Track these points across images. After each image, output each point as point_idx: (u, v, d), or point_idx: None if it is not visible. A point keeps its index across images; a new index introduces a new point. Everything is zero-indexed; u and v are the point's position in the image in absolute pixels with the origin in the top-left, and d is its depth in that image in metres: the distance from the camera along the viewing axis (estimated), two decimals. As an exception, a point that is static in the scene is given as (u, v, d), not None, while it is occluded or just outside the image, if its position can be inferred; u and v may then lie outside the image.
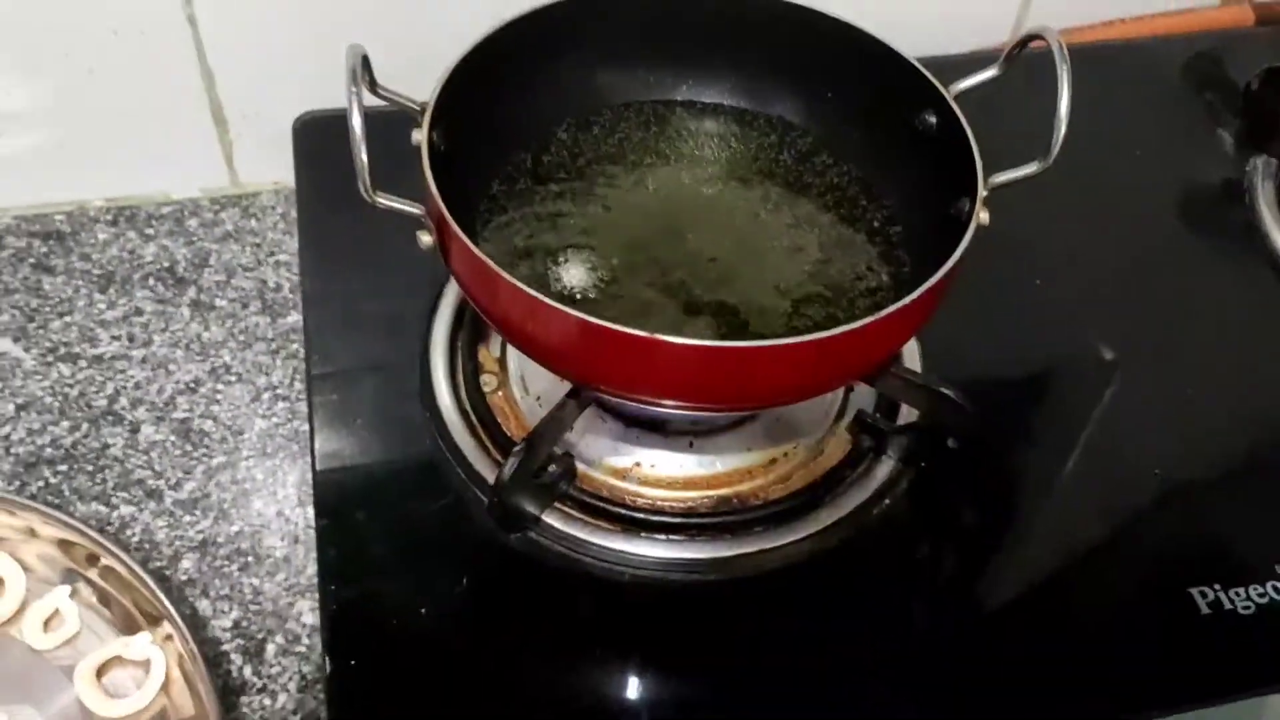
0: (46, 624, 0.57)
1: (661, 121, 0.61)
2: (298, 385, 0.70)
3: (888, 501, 0.57)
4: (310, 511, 0.63)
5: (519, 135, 0.58)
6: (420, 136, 0.48)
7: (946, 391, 0.53)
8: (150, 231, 0.77)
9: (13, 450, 0.65)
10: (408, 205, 0.47)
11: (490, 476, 0.55)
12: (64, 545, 0.60)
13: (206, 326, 0.72)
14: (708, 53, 0.60)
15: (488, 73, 0.53)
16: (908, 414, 0.59)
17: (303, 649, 0.59)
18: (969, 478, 0.59)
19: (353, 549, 0.55)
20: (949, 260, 0.46)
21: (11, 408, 0.67)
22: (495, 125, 0.55)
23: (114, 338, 0.71)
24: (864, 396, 0.61)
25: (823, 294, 0.54)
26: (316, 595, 0.60)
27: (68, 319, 0.72)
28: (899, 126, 0.56)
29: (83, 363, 0.70)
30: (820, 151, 0.60)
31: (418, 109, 0.50)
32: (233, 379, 0.70)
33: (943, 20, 0.83)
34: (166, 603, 0.57)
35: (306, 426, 0.67)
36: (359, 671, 0.51)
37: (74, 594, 0.58)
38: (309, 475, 0.65)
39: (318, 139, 0.71)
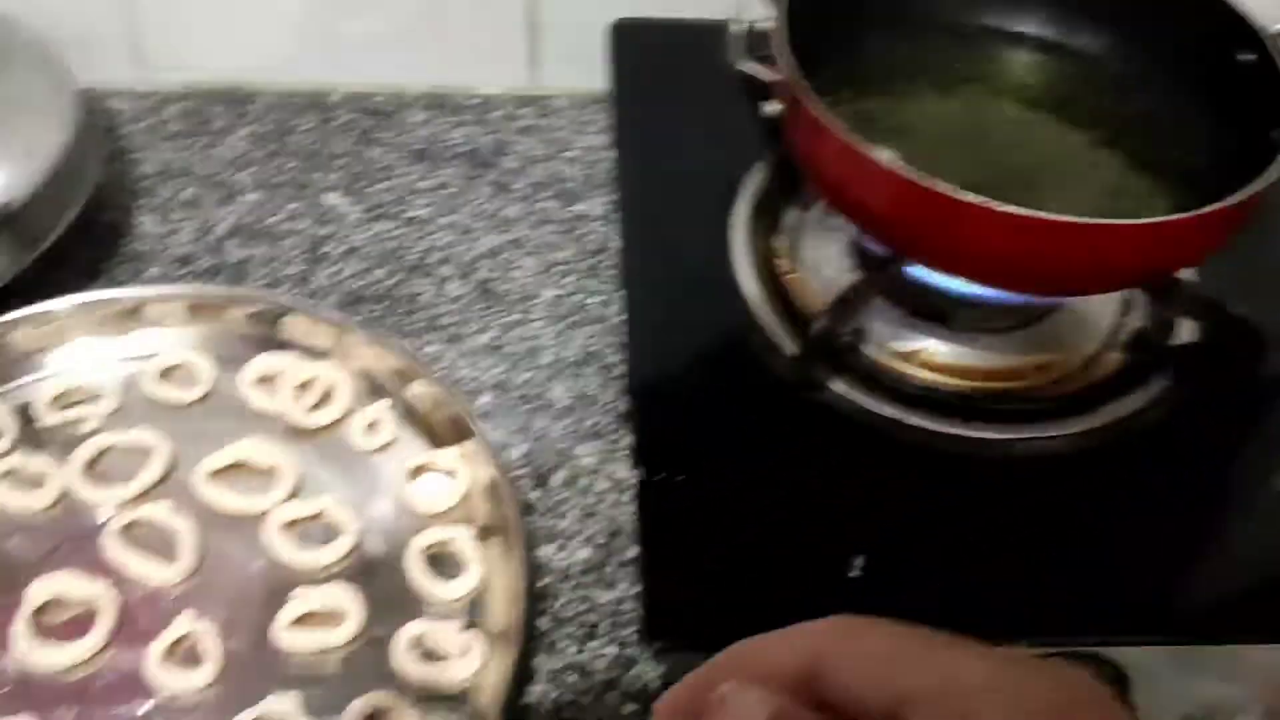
0: (367, 430, 0.65)
1: (970, 43, 0.66)
2: (584, 263, 0.76)
3: (1158, 416, 0.60)
4: (590, 370, 0.70)
5: (840, 43, 0.63)
6: (780, 16, 0.54)
7: (1240, 314, 0.55)
8: (458, 120, 0.85)
9: (341, 285, 0.74)
10: (765, 71, 0.53)
11: (787, 348, 0.61)
12: (385, 366, 0.68)
13: (505, 204, 0.80)
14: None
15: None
16: (1178, 333, 0.62)
17: (583, 484, 0.65)
18: (1246, 406, 0.61)
19: (662, 396, 0.62)
20: (1268, 174, 0.49)
21: (341, 250, 0.76)
22: (818, 31, 0.60)
23: (426, 204, 0.79)
24: (1137, 320, 0.64)
25: (1121, 208, 0.58)
26: (596, 442, 0.66)
27: (387, 184, 0.80)
28: (1209, 63, 0.59)
29: (399, 222, 0.78)
30: (1124, 83, 0.64)
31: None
32: (528, 250, 0.77)
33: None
34: (476, 421, 0.64)
35: (591, 300, 0.74)
36: (664, 483, 0.58)
37: (392, 407, 0.66)
38: (592, 341, 0.72)
39: (631, 42, 0.78)
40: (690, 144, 0.73)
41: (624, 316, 0.73)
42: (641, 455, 0.59)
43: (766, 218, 0.68)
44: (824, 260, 0.65)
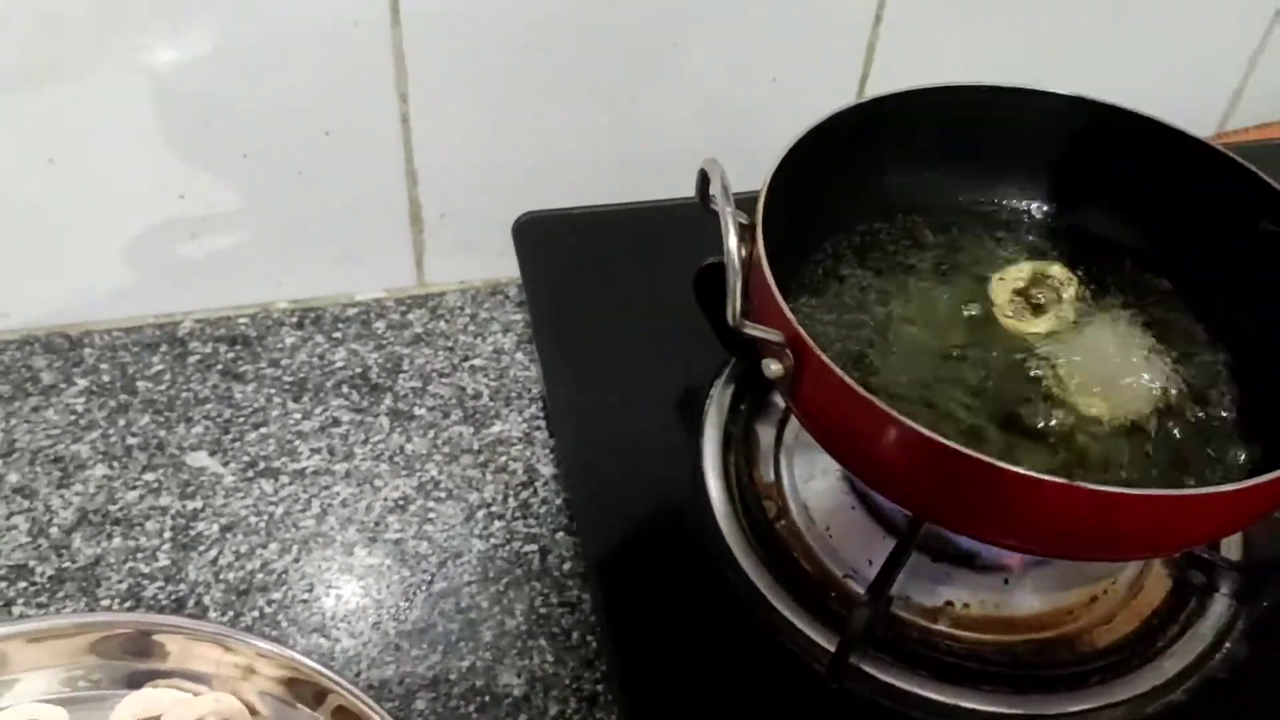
0: (278, 774, 0.52)
1: (957, 229, 0.57)
2: (511, 502, 0.65)
3: (1229, 646, 0.51)
4: (543, 643, 0.58)
5: (814, 245, 0.54)
6: (759, 252, 0.44)
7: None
8: (338, 335, 0.73)
9: (222, 576, 0.60)
10: (770, 333, 0.43)
11: (796, 620, 0.50)
12: (289, 683, 0.54)
13: (409, 438, 0.68)
14: (1006, 157, 0.56)
15: (791, 185, 0.49)
16: (1228, 546, 0.54)
17: (557, 804, 0.53)
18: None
19: (648, 690, 0.50)
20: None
21: (216, 528, 0.62)
22: (794, 237, 0.51)
23: (314, 450, 0.66)
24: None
25: (1158, 409, 0.50)
26: (565, 740, 0.55)
27: (263, 430, 0.67)
28: (1229, 235, 0.51)
29: (284, 478, 0.65)
30: (1134, 262, 0.56)
31: (745, 223, 0.45)
32: (443, 495, 0.65)
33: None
34: (420, 753, 0.51)
35: (527, 548, 0.63)
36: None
37: (309, 739, 0.53)
38: (537, 603, 0.60)
39: (538, 238, 0.68)
40: (626, 351, 0.63)
41: (569, 565, 0.62)
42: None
43: (743, 450, 0.57)
44: (814, 502, 0.55)
